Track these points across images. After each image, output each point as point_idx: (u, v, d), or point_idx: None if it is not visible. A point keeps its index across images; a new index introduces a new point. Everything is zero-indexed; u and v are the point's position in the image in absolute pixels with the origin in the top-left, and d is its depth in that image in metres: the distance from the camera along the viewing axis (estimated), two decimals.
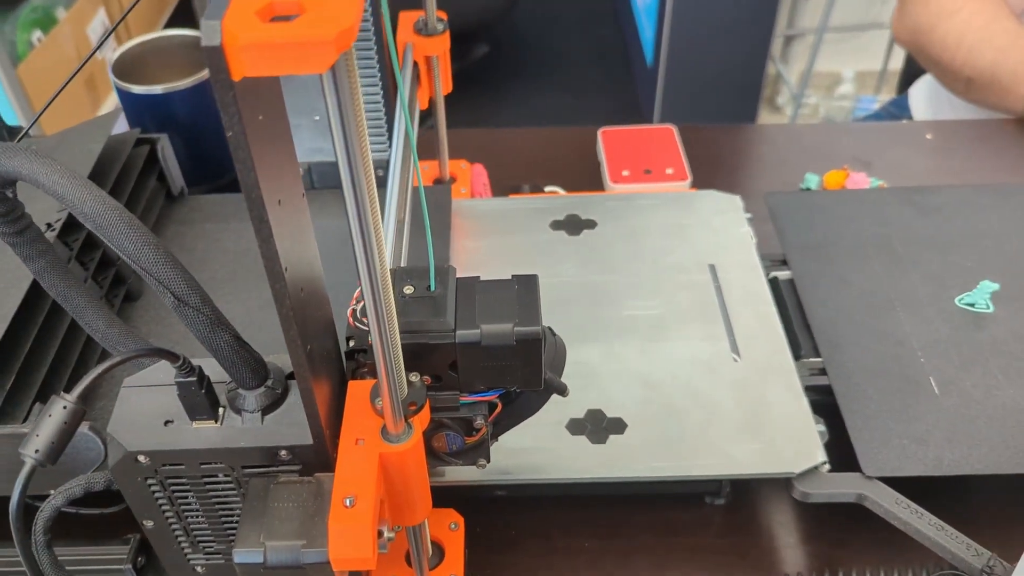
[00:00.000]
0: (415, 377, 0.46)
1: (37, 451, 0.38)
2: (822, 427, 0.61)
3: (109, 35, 0.52)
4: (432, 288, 0.47)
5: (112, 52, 2.34)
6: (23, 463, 0.38)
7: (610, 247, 0.75)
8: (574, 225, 0.77)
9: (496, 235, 0.76)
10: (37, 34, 1.95)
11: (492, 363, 0.46)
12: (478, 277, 0.48)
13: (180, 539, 0.51)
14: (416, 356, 0.45)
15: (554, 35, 2.77)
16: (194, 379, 0.43)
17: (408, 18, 0.73)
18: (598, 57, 2.71)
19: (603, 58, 2.70)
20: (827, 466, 0.58)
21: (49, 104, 0.47)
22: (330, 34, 0.28)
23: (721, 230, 0.75)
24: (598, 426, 0.61)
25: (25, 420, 0.54)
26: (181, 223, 0.76)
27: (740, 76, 2.17)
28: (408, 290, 0.47)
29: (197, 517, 0.49)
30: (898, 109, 1.34)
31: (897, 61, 2.42)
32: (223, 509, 0.48)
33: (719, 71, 2.15)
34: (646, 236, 0.75)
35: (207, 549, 0.51)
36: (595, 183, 0.92)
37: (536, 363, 0.46)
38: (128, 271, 0.68)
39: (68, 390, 0.58)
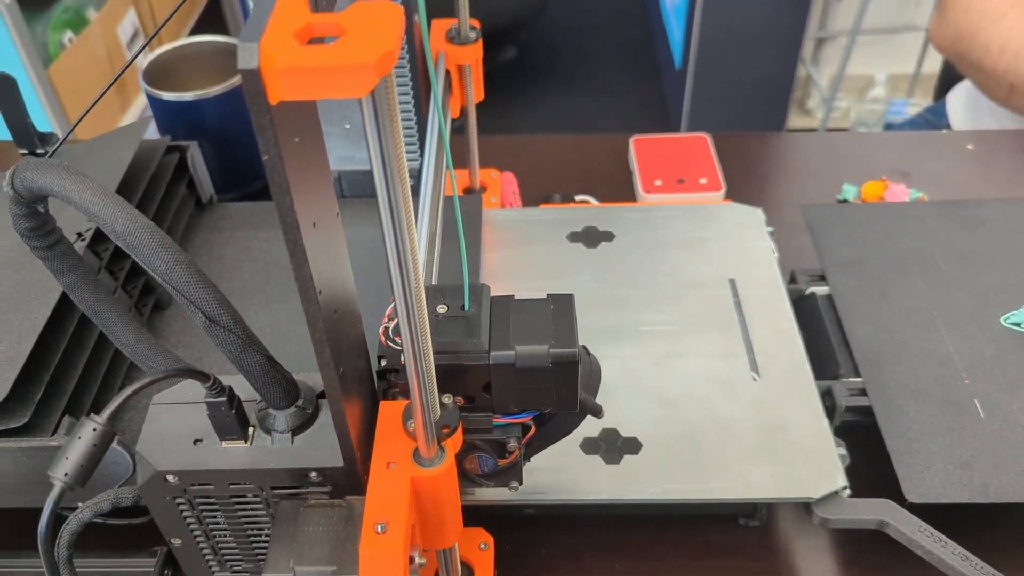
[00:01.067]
0: (448, 399, 0.45)
1: (66, 474, 0.38)
2: (843, 450, 0.59)
3: (143, 48, 0.52)
4: (466, 307, 0.46)
5: (142, 56, 2.34)
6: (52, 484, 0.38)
7: (628, 260, 0.73)
8: (592, 237, 0.75)
9: (512, 247, 0.75)
10: (68, 35, 1.96)
11: (527, 385, 0.45)
12: (512, 296, 0.47)
13: (207, 557, 0.50)
14: (449, 377, 0.45)
15: (582, 38, 2.76)
16: (224, 399, 0.42)
17: (440, 26, 0.72)
18: (626, 60, 2.69)
19: (631, 61, 2.68)
20: (848, 491, 0.56)
21: (79, 120, 0.46)
22: (371, 58, 0.27)
23: (742, 244, 0.73)
24: (612, 446, 0.59)
25: (54, 433, 0.54)
26: (210, 231, 0.76)
27: (770, 79, 2.14)
28: (441, 309, 0.46)
29: (225, 536, 0.48)
30: (935, 116, 1.32)
31: (930, 64, 2.38)
32: (251, 528, 0.48)
33: (748, 74, 2.12)
34: (665, 249, 0.73)
35: (234, 568, 0.51)
36: (627, 192, 0.90)
37: (572, 385, 0.45)
38: (157, 281, 0.68)
39: (97, 404, 0.59)
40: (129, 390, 0.39)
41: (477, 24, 0.72)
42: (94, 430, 0.38)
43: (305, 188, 0.34)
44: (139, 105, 2.27)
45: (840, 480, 0.57)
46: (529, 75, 2.60)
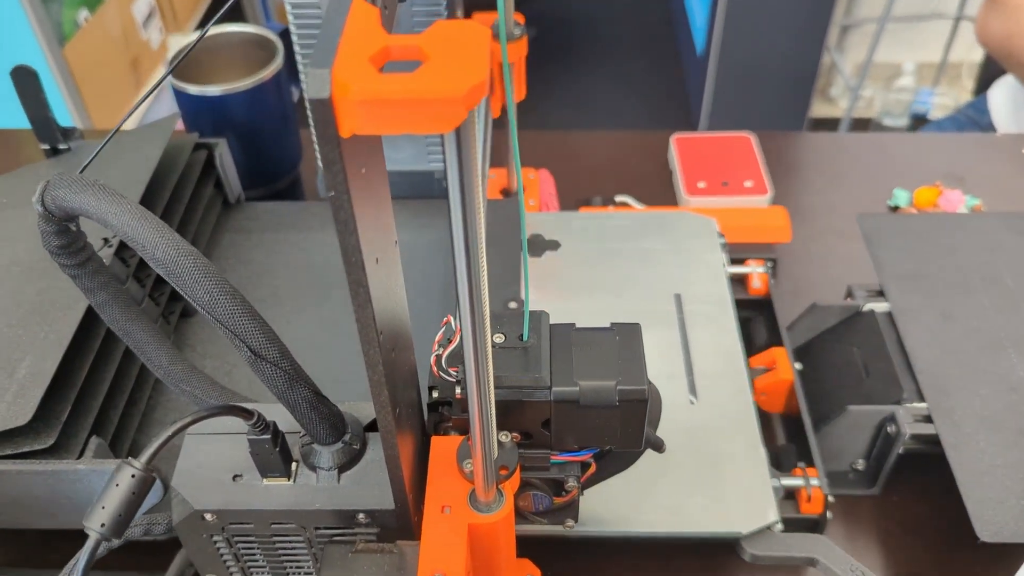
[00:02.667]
0: (505, 436, 0.42)
1: (103, 525, 0.35)
2: (778, 482, 0.56)
3: (181, 59, 0.48)
4: (525, 338, 0.43)
5: (157, 33, 2.30)
6: (87, 535, 0.35)
7: (571, 271, 0.68)
8: (537, 246, 0.70)
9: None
10: (84, 13, 1.92)
11: (590, 422, 0.42)
12: (573, 324, 0.44)
13: None
14: (507, 412, 0.41)
15: (601, 22, 2.70)
16: (268, 437, 0.39)
17: (483, 21, 0.69)
18: (646, 45, 2.64)
19: (651, 46, 2.62)
20: (780, 526, 0.53)
21: (113, 134, 0.43)
22: (460, 90, 0.24)
23: (692, 256, 0.69)
24: None
25: (81, 455, 0.51)
26: (237, 232, 0.73)
27: (794, 66, 2.10)
28: (498, 339, 0.43)
29: (263, 573, 0.46)
30: (977, 113, 1.27)
31: (957, 53, 2.33)
32: (291, 565, 0.45)
33: (772, 61, 2.08)
34: (611, 260, 0.69)
35: None
36: (667, 193, 0.87)
37: (639, 423, 0.42)
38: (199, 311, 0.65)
39: (123, 425, 0.56)
40: (170, 431, 0.36)
41: (522, 19, 0.68)
42: (133, 476, 0.35)
43: (370, 223, 0.30)
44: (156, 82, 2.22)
45: (772, 515, 0.53)
46: (546, 59, 2.55)
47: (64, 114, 1.87)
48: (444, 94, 0.24)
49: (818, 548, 0.52)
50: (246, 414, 0.38)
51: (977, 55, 2.34)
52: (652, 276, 0.68)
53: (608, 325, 0.44)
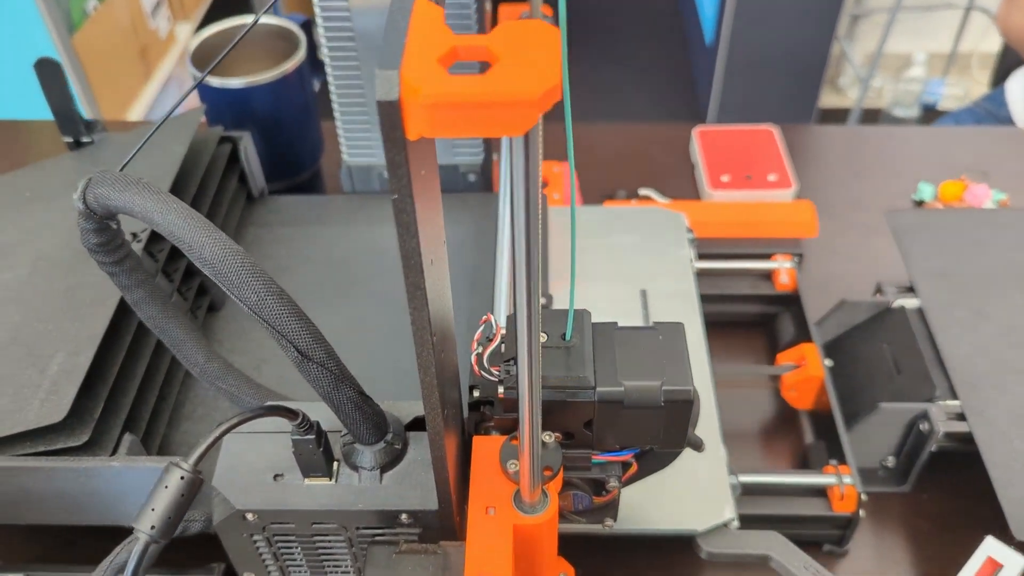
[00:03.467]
0: (548, 436, 0.41)
1: (153, 527, 0.34)
2: (735, 480, 0.56)
3: (215, 64, 0.48)
4: (567, 337, 0.42)
5: (165, 22, 2.28)
6: (136, 538, 0.35)
7: None
8: None
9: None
10: (92, 2, 1.91)
11: (633, 423, 0.42)
12: (615, 323, 0.44)
13: None
14: (550, 413, 0.41)
15: (608, 12, 2.69)
16: (312, 437, 0.39)
17: (510, 13, 0.68)
18: (654, 35, 2.62)
19: (659, 36, 2.61)
20: (736, 523, 0.53)
21: (154, 132, 0.43)
22: (534, 93, 0.24)
23: (660, 252, 0.68)
24: None
25: (114, 452, 0.51)
26: (261, 226, 0.72)
27: (803, 56, 2.08)
28: (541, 338, 0.42)
29: (301, 572, 0.45)
30: (995, 105, 1.26)
31: (967, 44, 2.32)
32: (330, 565, 0.45)
33: (781, 51, 2.07)
34: (579, 256, 0.67)
35: None
36: (689, 186, 0.86)
37: (683, 423, 0.42)
38: (213, 282, 0.64)
39: (154, 420, 0.56)
40: (217, 432, 0.36)
41: (549, 12, 0.67)
42: (182, 478, 0.35)
43: (427, 225, 0.30)
44: (162, 73, 2.22)
45: (728, 512, 0.53)
46: None
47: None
48: (518, 97, 0.24)
49: (772, 545, 0.52)
50: (291, 414, 0.38)
51: (988, 45, 2.33)
52: (619, 271, 0.67)
53: (651, 325, 0.43)
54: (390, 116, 0.25)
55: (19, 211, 0.68)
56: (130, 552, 0.34)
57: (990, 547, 0.47)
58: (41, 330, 0.55)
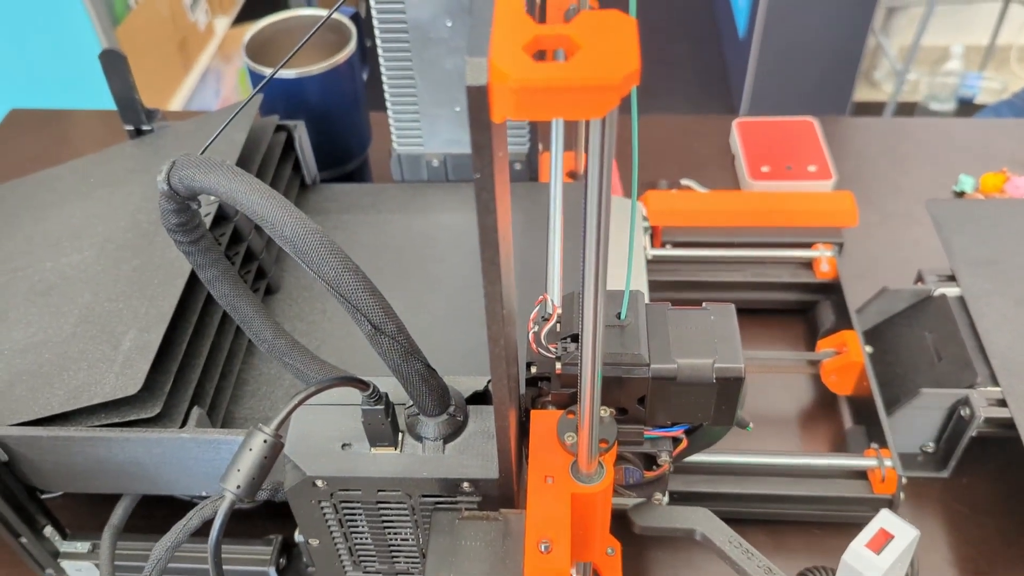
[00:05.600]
0: (604, 411, 0.43)
1: (239, 487, 0.37)
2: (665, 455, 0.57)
3: (271, 76, 0.50)
4: (622, 316, 0.44)
5: (204, 16, 2.32)
6: (223, 496, 0.37)
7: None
8: None
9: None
10: None
11: (685, 399, 0.43)
12: (668, 304, 0.45)
13: (343, 558, 0.49)
14: (606, 388, 0.43)
15: (643, 3, 2.69)
16: (382, 408, 0.41)
17: (557, 4, 0.70)
18: (686, 28, 2.62)
19: (691, 29, 2.61)
20: (665, 498, 0.54)
21: (233, 117, 0.45)
22: (615, 78, 0.25)
23: (612, 239, 0.68)
24: None
25: (183, 424, 0.53)
26: (315, 213, 0.74)
27: (838, 50, 2.07)
28: None
29: (364, 538, 0.48)
30: None
31: (1006, 36, 2.29)
32: (391, 532, 0.47)
33: (816, 44, 2.06)
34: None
35: (367, 568, 0.50)
36: (729, 177, 0.88)
37: (733, 401, 0.43)
38: (270, 265, 0.67)
39: (218, 395, 0.58)
40: (295, 400, 0.38)
41: (596, 4, 0.69)
42: (264, 441, 0.37)
43: (502, 204, 0.32)
44: (200, 67, 2.26)
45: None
46: None
47: None
48: (600, 82, 0.26)
49: (699, 520, 0.53)
50: (363, 385, 0.40)
51: None
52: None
53: (703, 306, 0.45)
54: (478, 100, 0.27)
55: (85, 197, 0.71)
56: (215, 509, 0.36)
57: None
58: (112, 309, 0.57)
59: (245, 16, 2.45)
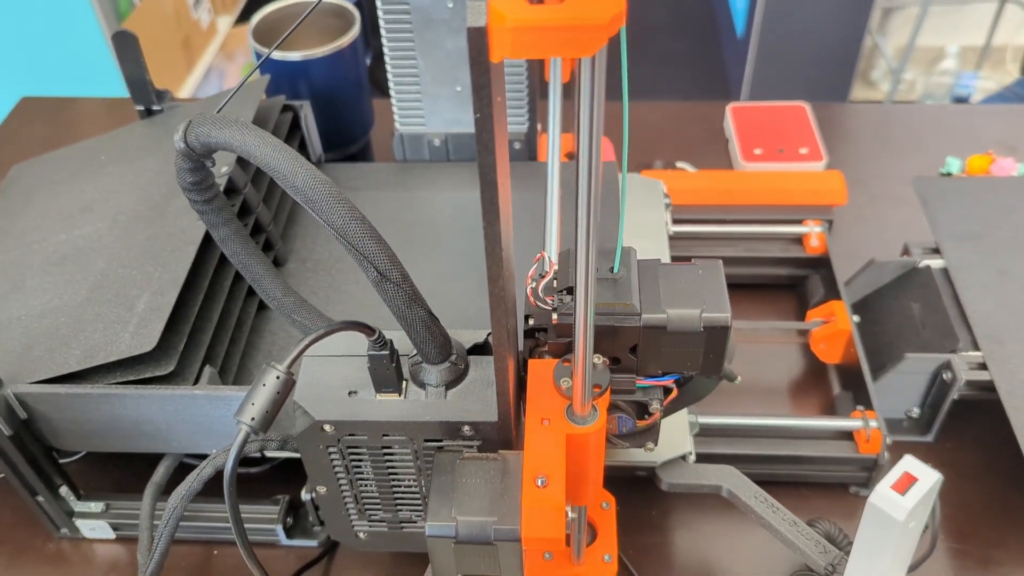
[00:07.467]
0: (597, 359, 0.45)
1: (253, 419, 0.39)
2: (694, 418, 0.60)
3: (264, 60, 0.52)
4: (615, 270, 0.46)
5: (207, 14, 2.34)
6: (238, 429, 0.39)
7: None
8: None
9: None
10: None
11: (675, 348, 0.46)
12: (658, 260, 0.48)
13: (349, 506, 0.52)
14: (599, 338, 0.45)
15: (640, 3, 2.72)
16: (387, 353, 0.43)
17: None
18: (684, 27, 2.65)
19: (689, 28, 2.64)
20: (693, 456, 0.57)
21: (242, 84, 0.47)
22: (604, 18, 0.28)
23: (635, 216, 0.70)
24: None
25: (196, 382, 0.55)
26: None
27: (835, 49, 2.10)
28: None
29: (369, 485, 0.50)
30: None
31: (1001, 36, 2.32)
32: (395, 479, 0.49)
33: (813, 43, 2.08)
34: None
35: (372, 517, 0.52)
36: (722, 159, 0.90)
37: (720, 350, 0.45)
38: (276, 238, 0.69)
39: (229, 355, 0.60)
40: (306, 341, 0.41)
41: None
42: (277, 378, 0.40)
43: (500, 147, 0.34)
44: (204, 63, 2.29)
45: (687, 445, 0.58)
46: None
47: (123, 91, 1.94)
48: (590, 21, 0.28)
49: (725, 476, 0.56)
50: (369, 330, 0.43)
51: (1022, 39, 2.33)
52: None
53: (692, 262, 0.47)
54: (477, 41, 0.29)
55: (97, 173, 0.73)
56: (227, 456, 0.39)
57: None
58: (125, 275, 0.60)
59: (248, 15, 2.48)
